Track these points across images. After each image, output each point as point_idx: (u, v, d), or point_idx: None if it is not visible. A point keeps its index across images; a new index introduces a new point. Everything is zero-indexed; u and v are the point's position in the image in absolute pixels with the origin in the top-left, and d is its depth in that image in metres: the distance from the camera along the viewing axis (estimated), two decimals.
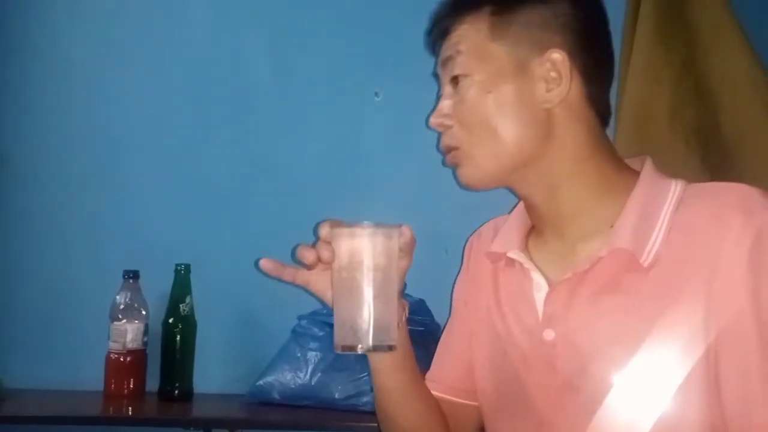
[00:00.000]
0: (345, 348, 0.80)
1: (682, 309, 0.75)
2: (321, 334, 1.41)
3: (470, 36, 0.86)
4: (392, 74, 1.58)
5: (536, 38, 0.84)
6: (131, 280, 1.47)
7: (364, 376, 1.35)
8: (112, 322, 1.44)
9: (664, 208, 0.80)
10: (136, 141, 1.58)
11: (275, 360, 1.42)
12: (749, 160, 1.25)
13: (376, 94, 1.59)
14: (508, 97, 0.84)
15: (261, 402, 1.39)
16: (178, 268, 1.47)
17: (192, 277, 1.48)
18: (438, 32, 0.90)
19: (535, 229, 0.93)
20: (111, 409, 1.39)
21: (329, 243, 0.82)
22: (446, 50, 0.88)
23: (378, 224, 0.81)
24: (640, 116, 1.30)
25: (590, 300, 0.81)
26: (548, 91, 0.83)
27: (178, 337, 1.45)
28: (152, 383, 1.46)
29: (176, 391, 1.44)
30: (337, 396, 1.35)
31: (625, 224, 0.80)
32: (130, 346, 1.44)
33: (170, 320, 1.45)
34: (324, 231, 0.83)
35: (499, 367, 0.92)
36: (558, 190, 0.85)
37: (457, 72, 0.85)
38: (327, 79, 1.59)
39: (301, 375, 1.38)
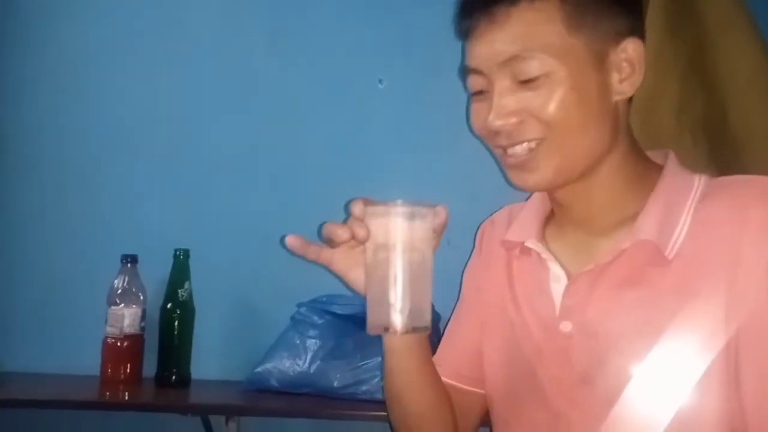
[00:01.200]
0: (380, 329, 0.78)
1: (703, 302, 0.75)
2: (320, 321, 1.40)
3: (544, 32, 0.78)
4: (396, 61, 1.57)
5: (610, 26, 0.80)
6: (129, 265, 1.46)
7: (363, 365, 1.34)
8: (110, 306, 1.43)
9: (689, 202, 0.80)
10: (135, 126, 1.57)
11: (274, 347, 1.41)
12: (756, 155, 1.24)
13: (380, 81, 1.58)
14: (592, 92, 0.79)
15: (259, 389, 1.39)
16: (177, 253, 1.46)
17: (191, 262, 1.46)
18: (484, 16, 0.80)
19: (554, 219, 0.91)
20: (107, 394, 1.38)
21: (362, 221, 0.79)
22: (505, 44, 0.79)
23: (413, 203, 0.78)
24: (648, 110, 1.29)
25: (611, 292, 0.80)
26: (621, 81, 0.81)
27: (176, 323, 1.44)
28: (149, 369, 1.45)
29: (173, 377, 1.43)
30: (335, 384, 1.35)
31: (649, 217, 0.79)
32: (127, 331, 1.42)
33: (168, 306, 1.44)
34: (358, 209, 0.80)
35: (512, 357, 0.91)
36: (595, 187, 0.83)
37: (536, 74, 0.78)
38: (330, 67, 1.58)
39: (300, 363, 1.37)
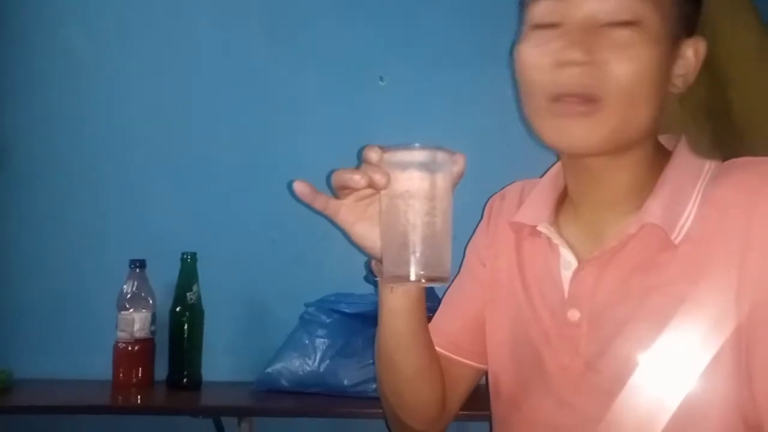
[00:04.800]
0: (398, 278, 0.75)
1: (712, 284, 0.73)
2: (329, 321, 1.40)
3: None
4: (397, 59, 1.57)
5: (692, 17, 0.78)
6: (138, 270, 1.47)
7: (372, 363, 1.34)
8: (120, 311, 1.44)
9: (697, 186, 0.78)
10: (142, 131, 1.58)
11: (283, 347, 1.41)
12: (760, 139, 1.23)
13: (381, 78, 1.58)
14: (664, 68, 0.76)
15: (269, 390, 1.39)
16: (185, 256, 1.46)
17: (198, 265, 1.47)
18: None
19: (567, 201, 0.89)
20: (120, 398, 1.39)
21: (381, 167, 0.74)
22: None
23: (431, 147, 0.74)
24: None
25: (619, 280, 0.79)
26: (677, 75, 0.78)
27: (186, 326, 1.45)
28: (160, 372, 1.46)
29: (185, 380, 1.44)
30: (345, 383, 1.35)
31: (656, 201, 0.78)
32: (137, 335, 1.43)
33: (177, 309, 1.45)
34: (375, 155, 0.74)
35: (519, 340, 0.89)
36: (621, 168, 0.81)
37: (626, 17, 0.72)
38: (331, 65, 1.58)
39: (310, 362, 1.38)
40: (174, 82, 1.58)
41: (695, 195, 0.77)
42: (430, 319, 1.22)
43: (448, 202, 0.76)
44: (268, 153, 1.57)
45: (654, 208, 0.77)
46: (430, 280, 0.74)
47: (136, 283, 1.46)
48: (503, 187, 1.04)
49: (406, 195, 0.74)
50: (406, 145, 0.75)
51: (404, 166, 0.74)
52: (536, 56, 0.77)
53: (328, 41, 1.58)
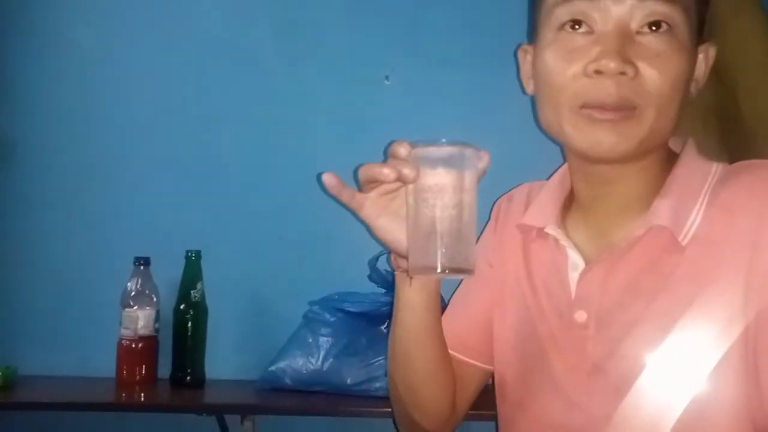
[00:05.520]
0: (425, 269, 0.76)
1: (720, 286, 0.73)
2: (332, 319, 1.40)
3: None
4: (402, 58, 1.56)
5: (704, 22, 0.79)
6: (142, 267, 1.46)
7: (375, 362, 1.34)
8: (124, 308, 1.44)
9: (704, 188, 0.78)
10: (147, 128, 1.57)
11: (287, 346, 1.41)
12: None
13: (387, 77, 1.57)
14: (689, 73, 0.77)
15: (273, 388, 1.39)
16: (189, 254, 1.46)
17: (203, 263, 1.47)
18: None
19: (575, 203, 0.89)
20: (123, 395, 1.39)
21: (409, 162, 0.75)
22: None
23: (458, 143, 0.76)
24: None
25: (626, 282, 0.79)
26: (693, 81, 0.80)
27: (190, 324, 1.45)
28: (164, 370, 1.46)
29: (188, 378, 1.43)
30: (349, 381, 1.35)
31: (663, 203, 0.78)
32: (141, 332, 1.43)
33: (181, 307, 1.45)
34: (404, 150, 0.76)
35: (526, 340, 0.89)
36: (640, 170, 0.81)
37: (659, 17, 0.74)
38: (337, 64, 1.57)
39: (313, 361, 1.38)
40: (180, 80, 1.58)
41: (702, 197, 0.77)
42: None
43: (473, 197, 0.77)
44: (273, 151, 1.57)
45: (661, 210, 0.77)
46: (456, 271, 0.75)
47: (140, 280, 1.46)
48: (509, 189, 1.03)
49: (434, 188, 0.75)
50: (432, 141, 0.76)
51: (433, 161, 0.76)
52: (565, 62, 0.77)
53: (334, 40, 1.58)
